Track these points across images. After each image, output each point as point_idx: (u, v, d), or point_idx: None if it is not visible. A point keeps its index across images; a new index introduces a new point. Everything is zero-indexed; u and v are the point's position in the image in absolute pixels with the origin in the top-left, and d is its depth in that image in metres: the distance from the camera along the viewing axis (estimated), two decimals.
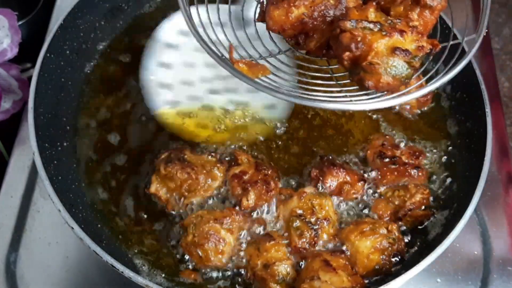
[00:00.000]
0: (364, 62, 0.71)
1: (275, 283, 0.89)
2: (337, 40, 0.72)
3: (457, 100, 1.13)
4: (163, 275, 0.95)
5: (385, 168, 1.02)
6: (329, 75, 0.84)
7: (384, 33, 0.71)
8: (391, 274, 0.91)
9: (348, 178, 1.00)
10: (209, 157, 1.02)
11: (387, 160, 1.02)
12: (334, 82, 0.84)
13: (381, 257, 0.92)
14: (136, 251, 0.97)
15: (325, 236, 0.94)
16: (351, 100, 0.77)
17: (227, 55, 0.80)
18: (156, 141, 1.09)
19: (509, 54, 1.39)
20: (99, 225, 0.99)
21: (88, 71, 1.17)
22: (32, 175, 1.08)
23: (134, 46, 1.21)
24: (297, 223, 0.93)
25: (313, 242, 0.93)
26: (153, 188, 0.99)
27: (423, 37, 0.75)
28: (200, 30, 0.80)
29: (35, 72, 1.02)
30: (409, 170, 1.00)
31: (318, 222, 0.93)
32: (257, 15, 0.84)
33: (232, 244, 0.94)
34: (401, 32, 0.72)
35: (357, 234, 0.93)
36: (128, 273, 0.86)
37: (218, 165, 1.01)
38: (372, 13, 0.74)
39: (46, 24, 1.25)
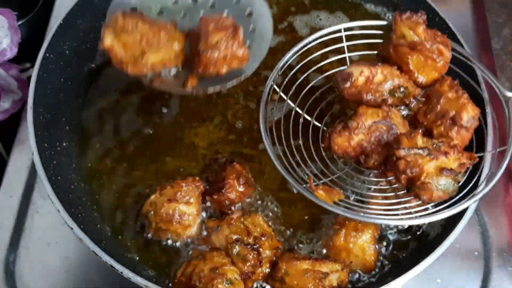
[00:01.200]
0: (418, 182, 0.87)
1: (222, 284, 0.86)
2: (394, 165, 0.88)
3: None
4: (162, 275, 0.95)
5: None
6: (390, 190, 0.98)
7: (431, 156, 0.87)
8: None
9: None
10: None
11: None
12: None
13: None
14: (135, 251, 0.97)
15: (267, 252, 0.93)
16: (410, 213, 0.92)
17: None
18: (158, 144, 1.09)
19: (509, 54, 1.38)
20: (98, 226, 0.99)
21: (88, 71, 1.16)
22: (31, 175, 1.08)
23: None
24: (236, 249, 0.92)
25: (258, 262, 0.91)
26: (107, 41, 0.87)
27: (463, 155, 0.89)
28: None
29: (35, 72, 1.02)
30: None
31: (257, 241, 0.92)
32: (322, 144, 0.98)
33: (195, 212, 0.96)
34: (445, 153, 0.87)
35: (354, 234, 0.94)
36: (128, 273, 0.86)
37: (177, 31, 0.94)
38: (419, 140, 0.89)
39: (46, 24, 1.25)
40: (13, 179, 1.08)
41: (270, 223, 0.99)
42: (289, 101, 1.02)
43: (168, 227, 0.95)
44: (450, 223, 0.93)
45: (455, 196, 0.89)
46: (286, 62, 1.01)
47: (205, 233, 0.98)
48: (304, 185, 0.91)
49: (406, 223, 0.97)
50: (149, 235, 0.98)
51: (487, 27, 1.32)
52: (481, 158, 0.96)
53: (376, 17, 1.27)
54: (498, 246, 1.04)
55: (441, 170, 0.86)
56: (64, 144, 1.06)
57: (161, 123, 1.12)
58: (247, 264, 0.90)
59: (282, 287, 0.90)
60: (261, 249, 0.92)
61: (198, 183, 0.98)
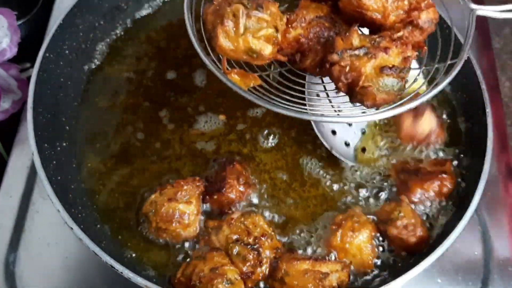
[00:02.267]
0: (357, 87, 0.77)
1: (222, 284, 0.86)
2: (329, 72, 0.78)
3: (457, 100, 1.12)
4: (162, 275, 0.95)
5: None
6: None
7: (369, 55, 0.76)
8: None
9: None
10: None
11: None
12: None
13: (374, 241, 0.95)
14: (135, 251, 0.97)
15: (267, 252, 0.92)
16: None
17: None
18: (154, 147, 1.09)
19: (510, 53, 1.38)
20: (98, 226, 0.99)
21: (88, 71, 1.16)
22: (31, 175, 1.08)
23: (133, 46, 1.21)
24: (236, 249, 0.91)
25: (258, 262, 0.91)
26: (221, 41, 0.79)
27: (407, 47, 0.79)
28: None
29: (34, 72, 1.02)
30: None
31: (257, 241, 0.92)
32: None
33: (195, 212, 0.95)
34: (386, 49, 0.77)
35: (351, 235, 0.94)
36: (128, 273, 0.86)
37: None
38: (355, 39, 0.78)
39: (46, 24, 1.25)
40: (13, 179, 1.08)
41: (270, 223, 0.99)
42: None
43: (168, 226, 0.94)
44: (451, 223, 0.93)
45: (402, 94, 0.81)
46: None
47: (205, 232, 0.98)
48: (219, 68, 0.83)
49: (337, 120, 0.88)
50: (149, 235, 0.98)
51: (487, 27, 1.32)
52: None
53: None
54: (498, 246, 1.04)
55: (381, 69, 0.76)
56: (64, 144, 1.06)
57: (161, 123, 1.12)
58: (247, 264, 0.90)
59: None
60: (261, 249, 0.92)
61: (198, 182, 0.98)
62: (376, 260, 0.96)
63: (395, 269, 0.95)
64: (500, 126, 1.16)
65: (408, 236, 0.94)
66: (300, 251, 0.97)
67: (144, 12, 1.25)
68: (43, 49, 1.05)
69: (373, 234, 0.96)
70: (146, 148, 1.09)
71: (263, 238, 0.93)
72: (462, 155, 1.06)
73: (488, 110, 1.02)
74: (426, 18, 0.82)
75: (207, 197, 0.99)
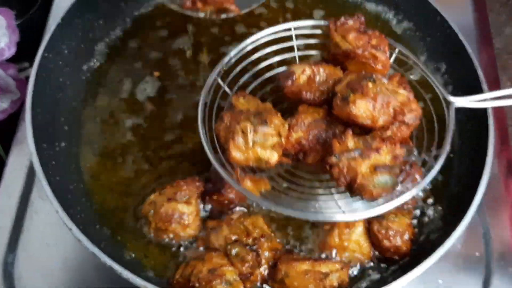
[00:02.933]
0: (355, 185, 0.85)
1: (220, 285, 0.86)
2: (330, 173, 0.87)
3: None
4: (161, 276, 0.94)
5: None
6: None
7: (363, 156, 0.86)
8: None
9: None
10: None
11: None
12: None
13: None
14: (134, 252, 0.97)
15: (266, 253, 0.93)
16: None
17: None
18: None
19: (511, 53, 1.38)
20: (97, 226, 0.99)
21: (86, 71, 1.16)
22: (30, 176, 1.08)
23: (132, 46, 1.21)
24: (235, 249, 0.91)
25: (256, 263, 0.91)
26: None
27: (396, 146, 0.88)
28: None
29: (33, 72, 1.02)
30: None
31: (256, 242, 0.92)
32: None
33: (194, 212, 0.96)
34: (377, 149, 0.86)
35: (348, 232, 0.94)
36: (127, 274, 0.86)
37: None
38: (350, 141, 0.88)
39: (44, 23, 1.25)
40: (11, 180, 1.07)
41: (270, 224, 0.99)
42: (230, 92, 1.00)
43: (168, 227, 0.94)
44: (452, 224, 0.93)
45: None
46: (232, 57, 0.99)
47: (204, 233, 0.97)
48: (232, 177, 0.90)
49: (342, 219, 0.90)
50: (149, 235, 0.98)
51: (488, 27, 1.32)
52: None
53: (377, 16, 1.27)
54: (500, 247, 1.04)
55: (375, 169, 0.85)
56: (63, 144, 1.05)
57: (161, 124, 1.11)
58: (246, 265, 0.90)
59: None
60: (260, 250, 0.91)
61: (197, 183, 0.98)
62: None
63: (397, 269, 0.95)
64: (502, 127, 1.15)
65: (383, 239, 0.95)
66: (299, 252, 0.97)
67: (143, 11, 1.25)
68: (42, 49, 1.04)
69: (366, 225, 0.97)
70: (146, 148, 1.08)
71: (262, 239, 0.92)
72: (463, 156, 1.06)
73: (489, 111, 1.02)
74: (411, 116, 0.90)
75: (207, 197, 0.99)
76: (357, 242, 0.95)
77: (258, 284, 0.93)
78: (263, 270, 0.91)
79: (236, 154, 0.88)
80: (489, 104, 0.96)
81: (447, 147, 0.90)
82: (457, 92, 1.12)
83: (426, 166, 0.93)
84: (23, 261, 1.00)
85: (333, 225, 0.96)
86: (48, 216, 1.03)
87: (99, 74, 1.17)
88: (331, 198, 0.94)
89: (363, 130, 0.91)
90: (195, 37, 1.22)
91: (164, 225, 0.94)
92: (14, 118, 1.15)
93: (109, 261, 0.86)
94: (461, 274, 1.01)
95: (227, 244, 0.92)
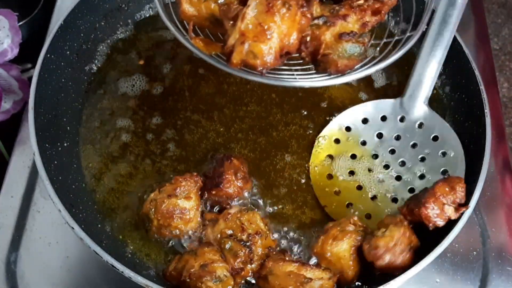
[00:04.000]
0: (319, 56, 0.78)
1: (211, 282, 0.86)
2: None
3: (456, 100, 1.13)
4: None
5: None
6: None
7: (328, 24, 0.78)
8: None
9: None
10: None
11: None
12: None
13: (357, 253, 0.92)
14: (136, 251, 0.98)
15: (259, 250, 0.93)
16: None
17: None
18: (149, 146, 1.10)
19: (508, 54, 1.39)
20: (99, 225, 0.99)
21: (88, 72, 1.17)
22: (32, 175, 1.08)
23: (134, 47, 1.22)
24: (229, 244, 0.92)
25: (249, 259, 0.91)
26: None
27: (366, 13, 0.80)
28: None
29: (36, 73, 1.02)
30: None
31: (250, 238, 0.92)
32: None
33: (195, 206, 0.96)
34: (344, 16, 0.79)
35: (331, 242, 0.92)
36: (128, 273, 0.86)
37: None
38: (316, 9, 0.79)
39: (47, 25, 1.26)
40: (14, 179, 1.08)
41: (267, 222, 1.00)
42: None
43: (170, 222, 0.94)
44: (449, 223, 0.93)
45: (366, 59, 0.83)
46: None
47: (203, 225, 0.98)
48: (186, 36, 0.84)
49: (295, 84, 0.84)
50: (152, 234, 0.98)
51: (486, 28, 1.33)
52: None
53: None
54: (497, 246, 1.04)
55: (339, 36, 0.78)
56: (65, 144, 1.06)
57: (161, 124, 1.12)
58: (238, 260, 0.91)
59: (264, 285, 0.90)
60: (253, 247, 0.92)
61: (196, 178, 0.98)
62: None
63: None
64: (499, 127, 1.16)
65: (369, 251, 0.89)
66: (292, 253, 0.98)
67: (145, 13, 1.25)
68: (44, 50, 1.05)
69: (354, 243, 0.92)
70: (146, 147, 1.09)
71: (256, 236, 0.93)
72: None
73: (487, 110, 1.02)
74: None
75: (206, 192, 1.00)
76: (337, 256, 0.92)
77: (249, 279, 0.93)
78: (255, 266, 0.92)
79: (187, 7, 0.81)
80: None
81: (423, 26, 0.85)
82: (454, 93, 1.13)
83: (397, 43, 0.86)
84: (25, 260, 1.00)
85: (325, 232, 0.95)
86: (51, 215, 1.03)
87: (101, 75, 1.17)
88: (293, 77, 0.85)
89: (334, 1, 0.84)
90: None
91: (166, 221, 0.94)
92: (17, 118, 1.15)
93: (111, 260, 0.87)
94: (458, 273, 1.02)
95: (222, 237, 0.93)
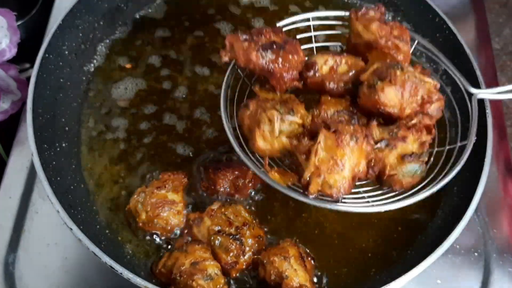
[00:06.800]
0: (385, 176, 0.85)
1: (202, 280, 0.86)
2: None
3: (457, 100, 1.12)
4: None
5: None
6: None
7: (390, 147, 0.85)
8: None
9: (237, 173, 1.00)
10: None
11: None
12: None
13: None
14: (135, 252, 0.97)
15: (250, 241, 0.93)
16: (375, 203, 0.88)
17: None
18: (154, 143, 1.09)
19: (510, 54, 1.39)
20: (98, 226, 0.99)
21: (87, 72, 1.16)
22: (30, 176, 1.08)
23: (133, 47, 1.21)
24: (218, 240, 0.92)
25: (241, 252, 0.92)
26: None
27: (422, 133, 0.87)
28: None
29: (34, 73, 1.02)
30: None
31: (239, 230, 0.93)
32: None
33: (182, 202, 0.97)
34: (403, 138, 0.86)
35: None
36: (127, 274, 0.86)
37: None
38: (376, 132, 0.87)
39: (45, 24, 1.25)
40: (12, 180, 1.08)
41: (251, 212, 0.99)
42: (251, 86, 0.99)
43: (159, 213, 0.95)
44: (450, 224, 0.93)
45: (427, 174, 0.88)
46: None
47: (187, 225, 0.98)
48: (261, 168, 0.90)
49: (372, 210, 0.88)
50: (137, 229, 0.98)
51: (487, 27, 1.33)
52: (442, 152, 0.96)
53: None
54: (498, 246, 1.04)
55: (402, 158, 0.85)
56: (64, 144, 1.06)
57: (160, 126, 1.12)
58: (230, 255, 0.91)
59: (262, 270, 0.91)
60: (243, 239, 0.92)
61: (182, 175, 1.00)
62: None
63: (395, 269, 0.95)
64: (500, 127, 1.16)
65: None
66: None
67: (144, 13, 1.25)
68: (43, 50, 1.05)
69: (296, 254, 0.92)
70: (145, 149, 1.09)
71: (244, 227, 0.93)
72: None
73: (488, 111, 1.02)
74: (435, 107, 0.90)
75: (198, 184, 1.01)
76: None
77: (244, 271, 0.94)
78: (248, 258, 0.92)
79: (261, 143, 0.87)
80: (509, 96, 0.95)
81: (473, 137, 0.90)
82: (456, 93, 1.12)
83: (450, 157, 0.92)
84: (24, 261, 1.00)
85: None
86: (49, 216, 1.03)
87: (100, 75, 1.17)
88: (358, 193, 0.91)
89: (386, 121, 0.89)
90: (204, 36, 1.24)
91: (155, 212, 0.94)
92: (15, 118, 1.15)
93: (109, 261, 0.87)
94: (460, 274, 1.01)
95: (210, 235, 0.93)
